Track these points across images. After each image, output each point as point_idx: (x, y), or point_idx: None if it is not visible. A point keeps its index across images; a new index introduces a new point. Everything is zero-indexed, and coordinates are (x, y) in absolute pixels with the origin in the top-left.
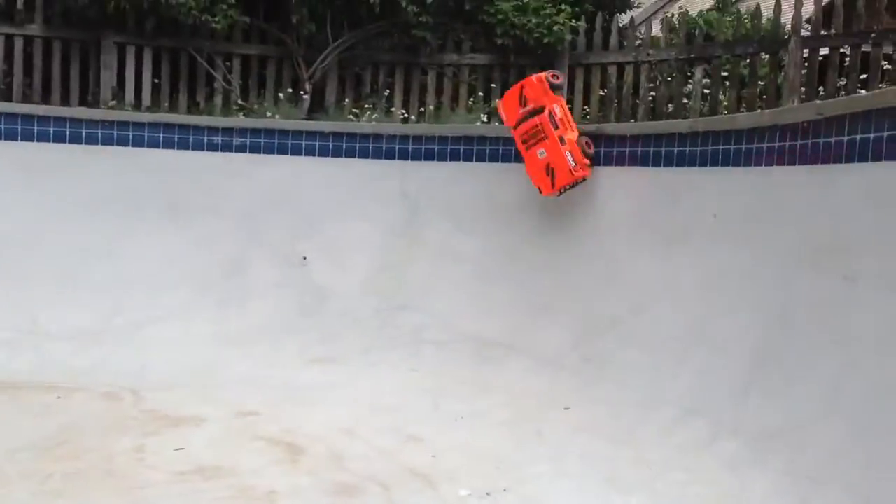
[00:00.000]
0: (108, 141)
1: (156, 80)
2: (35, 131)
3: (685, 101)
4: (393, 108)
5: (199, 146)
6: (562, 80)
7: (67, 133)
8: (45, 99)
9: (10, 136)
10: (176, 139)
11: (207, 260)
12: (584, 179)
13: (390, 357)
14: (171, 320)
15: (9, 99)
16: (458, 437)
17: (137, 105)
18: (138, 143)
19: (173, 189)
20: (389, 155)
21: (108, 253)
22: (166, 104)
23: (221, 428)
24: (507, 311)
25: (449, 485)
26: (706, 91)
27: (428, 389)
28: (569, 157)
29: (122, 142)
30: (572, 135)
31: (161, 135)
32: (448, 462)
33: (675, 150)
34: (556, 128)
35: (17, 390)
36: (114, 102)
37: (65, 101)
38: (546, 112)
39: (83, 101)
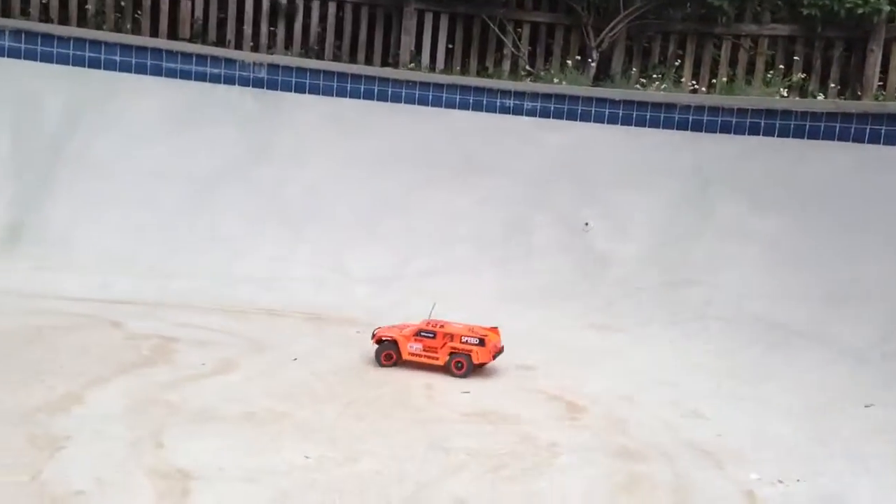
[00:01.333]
0: (409, 100)
1: (449, 45)
2: (348, 88)
3: None
4: (682, 79)
5: (491, 108)
6: None
7: (376, 91)
8: (352, 59)
9: (327, 91)
10: (471, 101)
11: (493, 219)
12: None
13: (671, 330)
14: (456, 273)
15: (321, 58)
16: (742, 420)
17: (432, 68)
18: (436, 103)
19: (465, 148)
20: (681, 125)
21: (402, 205)
22: (458, 68)
23: (503, 378)
24: (802, 296)
25: (736, 466)
26: None
27: (709, 367)
28: None
29: (422, 101)
30: None
31: (457, 96)
32: (734, 443)
33: None
34: None
35: (323, 322)
36: (412, 65)
37: (368, 62)
38: None
39: (384, 63)
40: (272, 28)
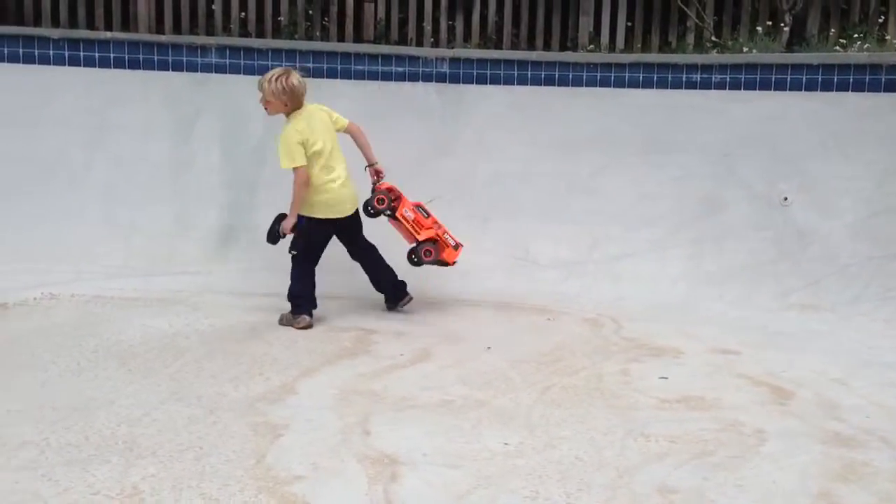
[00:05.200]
0: (590, 82)
1: (629, 24)
2: (528, 75)
3: None
4: (887, 37)
5: (676, 84)
6: None
7: (556, 76)
8: (530, 46)
9: (508, 80)
10: (655, 78)
11: (682, 198)
12: None
13: (885, 308)
14: (646, 256)
15: (499, 47)
16: None
17: (612, 48)
18: (618, 83)
19: (650, 128)
20: (889, 87)
21: (588, 189)
22: (639, 46)
23: (700, 362)
24: None
25: None
26: None
27: None
28: None
29: (604, 83)
30: None
31: (640, 75)
32: None
33: None
34: None
35: (513, 310)
36: (591, 47)
37: (546, 48)
38: None
39: (563, 48)
40: (451, 22)
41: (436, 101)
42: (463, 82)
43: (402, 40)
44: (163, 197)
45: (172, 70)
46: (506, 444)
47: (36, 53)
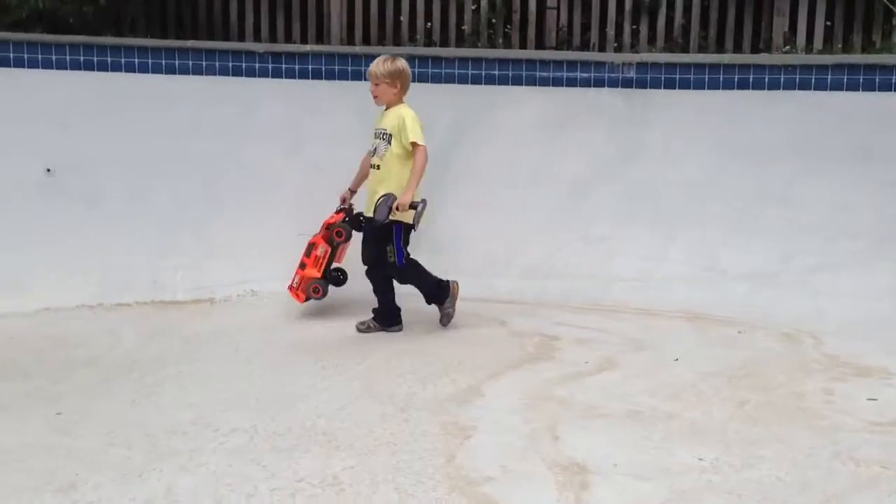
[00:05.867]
0: (788, 86)
1: (828, 23)
2: (720, 79)
3: None
4: None
5: (885, 87)
6: None
7: (751, 79)
8: (719, 49)
9: (697, 85)
10: (861, 80)
11: (890, 208)
12: None
13: None
14: (847, 269)
15: (685, 50)
16: None
17: (809, 48)
18: (819, 86)
19: (853, 133)
20: None
21: (783, 198)
22: (839, 46)
23: None
24: None
25: None
26: None
27: None
28: None
29: (803, 85)
30: None
31: (845, 77)
32: None
33: None
34: None
35: (700, 321)
36: (787, 48)
37: (737, 50)
38: None
39: (755, 49)
40: (634, 26)
41: (622, 106)
42: (650, 87)
43: (585, 46)
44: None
45: (364, 80)
46: (700, 459)
47: (243, 66)
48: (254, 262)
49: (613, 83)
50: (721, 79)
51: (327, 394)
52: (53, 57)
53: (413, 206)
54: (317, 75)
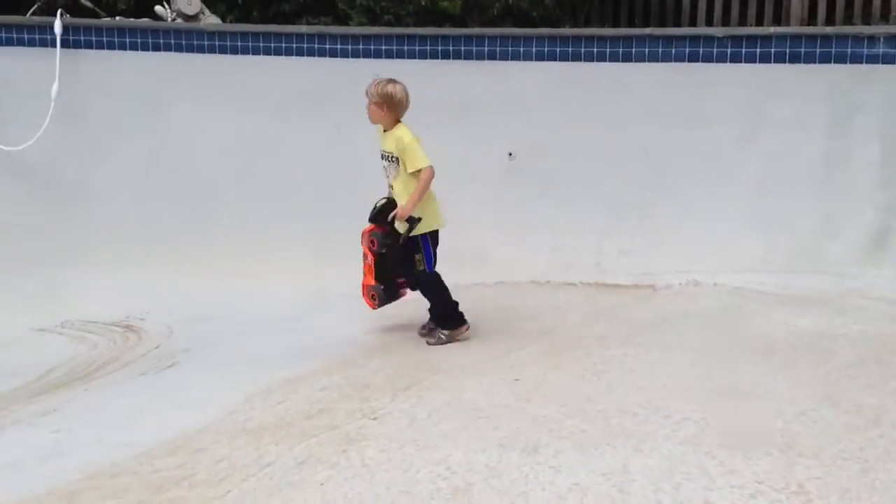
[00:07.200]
0: None
1: None
2: None
3: None
4: None
5: None
6: None
7: None
8: None
9: None
10: None
11: None
12: None
13: None
14: None
15: None
16: None
17: None
18: None
19: None
20: None
21: None
22: None
23: None
24: None
25: None
26: None
27: None
28: None
29: None
30: None
31: None
32: None
33: None
34: None
35: None
36: None
37: None
38: None
39: None
40: None
41: None
42: None
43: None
44: (812, 193)
45: (834, 63)
46: None
47: (700, 52)
48: (698, 252)
49: None
50: None
51: (779, 395)
52: (521, 49)
53: (409, 219)
54: (779, 59)
